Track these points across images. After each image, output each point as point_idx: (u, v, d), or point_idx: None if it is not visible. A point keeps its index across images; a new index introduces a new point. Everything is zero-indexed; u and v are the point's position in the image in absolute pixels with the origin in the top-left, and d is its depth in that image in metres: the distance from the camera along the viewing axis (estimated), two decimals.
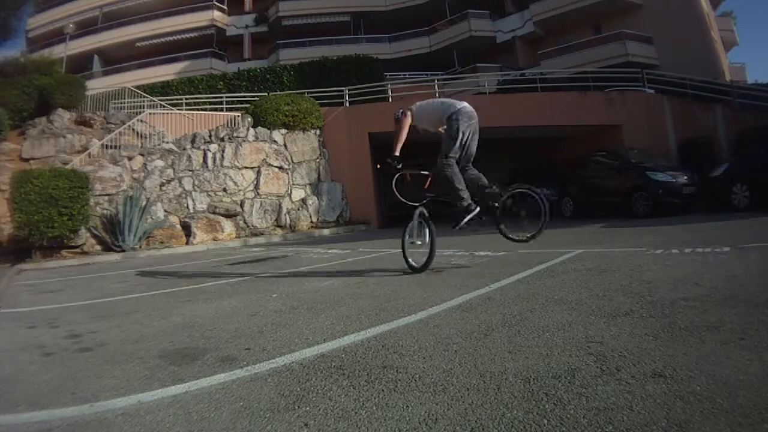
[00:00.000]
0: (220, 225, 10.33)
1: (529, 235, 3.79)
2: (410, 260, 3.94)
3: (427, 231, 3.88)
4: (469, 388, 1.50)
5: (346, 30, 25.56)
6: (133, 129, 11.40)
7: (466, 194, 3.81)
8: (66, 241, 8.52)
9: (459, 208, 3.82)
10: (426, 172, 4.07)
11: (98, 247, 8.98)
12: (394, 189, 4.07)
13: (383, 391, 1.54)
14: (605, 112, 12.50)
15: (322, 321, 2.58)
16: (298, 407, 1.46)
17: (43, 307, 3.74)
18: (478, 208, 3.80)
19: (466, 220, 3.79)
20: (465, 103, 3.95)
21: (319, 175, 12.15)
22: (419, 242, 3.89)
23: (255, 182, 11.30)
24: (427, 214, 3.94)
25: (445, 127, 3.87)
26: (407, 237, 3.96)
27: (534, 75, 16.40)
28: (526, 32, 22.92)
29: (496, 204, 3.83)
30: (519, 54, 23.00)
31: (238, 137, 11.36)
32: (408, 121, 3.96)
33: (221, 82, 17.07)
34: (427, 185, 4.08)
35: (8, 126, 10.82)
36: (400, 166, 3.89)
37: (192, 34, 25.64)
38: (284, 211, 11.28)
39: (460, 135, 3.78)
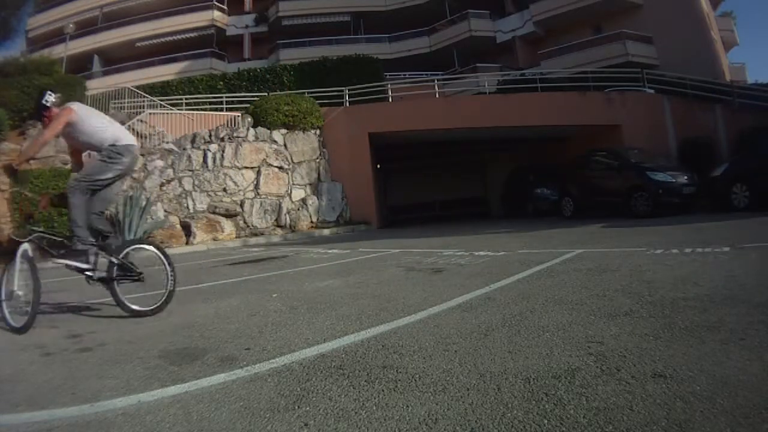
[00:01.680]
0: (220, 225, 10.32)
1: (148, 309, 3.04)
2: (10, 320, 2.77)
3: (31, 279, 2.79)
4: (469, 388, 1.50)
5: (346, 30, 25.56)
6: (133, 129, 11.38)
7: (83, 234, 3.06)
8: (66, 242, 8.51)
9: (72, 247, 3.08)
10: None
11: None
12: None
13: (383, 391, 1.54)
14: (605, 112, 12.50)
15: (322, 321, 2.58)
16: (298, 407, 1.46)
17: (43, 307, 3.73)
18: (90, 265, 3.06)
19: (75, 266, 3.04)
20: (134, 141, 3.33)
21: (319, 175, 12.15)
22: (20, 292, 2.79)
23: (255, 182, 11.29)
24: (31, 255, 2.90)
25: (103, 153, 3.14)
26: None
27: (534, 75, 16.40)
28: (526, 32, 22.92)
29: (114, 259, 3.07)
30: (519, 54, 22.99)
31: (238, 137, 11.36)
32: (68, 118, 3.10)
33: (221, 82, 17.06)
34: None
35: (8, 126, 10.82)
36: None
37: (192, 34, 25.62)
38: (284, 211, 11.28)
39: (111, 173, 3.13)
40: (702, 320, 2.00)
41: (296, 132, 12.06)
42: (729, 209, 7.92)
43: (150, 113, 12.26)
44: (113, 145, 3.15)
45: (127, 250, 3.22)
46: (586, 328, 2.04)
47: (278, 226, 11.14)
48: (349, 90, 13.66)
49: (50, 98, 3.17)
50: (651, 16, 19.55)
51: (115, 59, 25.42)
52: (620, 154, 10.03)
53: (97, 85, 18.46)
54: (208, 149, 11.07)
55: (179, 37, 25.43)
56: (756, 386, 1.33)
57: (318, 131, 12.42)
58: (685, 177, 8.85)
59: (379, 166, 14.91)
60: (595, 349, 1.77)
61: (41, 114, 3.19)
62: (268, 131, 11.77)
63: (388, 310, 2.71)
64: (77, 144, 3.32)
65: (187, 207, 10.44)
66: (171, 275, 3.17)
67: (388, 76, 17.94)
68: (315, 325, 2.51)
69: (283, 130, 11.95)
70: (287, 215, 11.27)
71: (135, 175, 10.29)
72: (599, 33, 20.73)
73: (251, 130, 11.60)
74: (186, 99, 15.54)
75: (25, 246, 2.88)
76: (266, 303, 3.23)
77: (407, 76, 20.80)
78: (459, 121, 12.42)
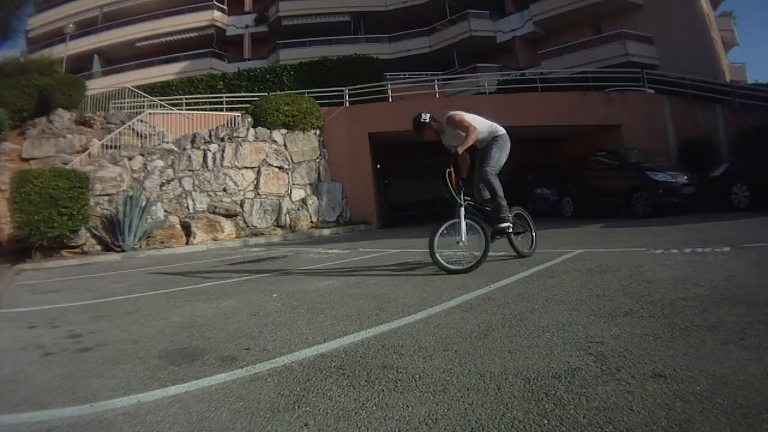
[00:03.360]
0: (220, 225, 10.33)
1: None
2: (443, 262, 3.83)
3: (479, 230, 3.86)
4: (469, 388, 1.50)
5: (346, 30, 25.57)
6: (133, 129, 11.39)
7: (506, 209, 4.03)
8: (66, 241, 8.52)
9: (497, 219, 4.02)
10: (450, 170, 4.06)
11: (98, 247, 8.98)
12: (448, 183, 3.99)
13: (383, 391, 1.54)
14: (605, 112, 12.50)
15: (322, 321, 2.58)
16: (298, 407, 1.46)
17: (43, 307, 3.74)
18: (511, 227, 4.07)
19: (503, 231, 4.05)
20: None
21: (319, 175, 12.15)
22: (460, 241, 3.86)
23: (255, 182, 11.30)
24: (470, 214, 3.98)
25: (492, 145, 4.16)
26: (438, 238, 3.84)
27: (534, 75, 16.40)
28: (526, 32, 22.93)
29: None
30: (519, 54, 23.00)
31: (238, 137, 11.36)
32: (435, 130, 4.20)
33: (221, 82, 17.07)
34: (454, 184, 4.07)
35: (8, 126, 10.82)
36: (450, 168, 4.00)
37: (192, 34, 25.64)
38: (284, 211, 11.28)
39: (505, 157, 4.14)
40: (702, 320, 2.00)
41: (296, 132, 12.07)
42: (729, 209, 7.92)
43: (150, 113, 12.26)
44: (499, 135, 4.20)
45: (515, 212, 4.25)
46: (586, 328, 2.03)
47: (278, 226, 11.14)
48: (349, 90, 13.66)
49: (426, 117, 4.23)
50: (651, 16, 19.56)
51: (115, 59, 25.43)
52: (620, 154, 10.03)
53: (97, 85, 18.45)
54: (208, 149, 11.07)
55: (179, 37, 25.44)
56: (756, 386, 1.33)
57: (318, 131, 12.42)
58: (685, 177, 8.85)
59: (379, 166, 14.90)
60: (595, 349, 1.77)
61: (422, 129, 4.23)
62: (268, 131, 11.78)
63: (388, 310, 2.71)
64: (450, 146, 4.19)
65: (187, 207, 10.44)
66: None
67: (388, 76, 17.95)
68: (315, 325, 2.51)
69: (283, 130, 11.96)
70: (287, 215, 11.27)
71: (135, 175, 10.30)
72: (599, 33, 20.74)
73: (251, 130, 11.61)
74: (186, 99, 15.55)
75: (463, 208, 3.91)
76: (266, 303, 3.22)
77: (407, 76, 20.81)
78: None
